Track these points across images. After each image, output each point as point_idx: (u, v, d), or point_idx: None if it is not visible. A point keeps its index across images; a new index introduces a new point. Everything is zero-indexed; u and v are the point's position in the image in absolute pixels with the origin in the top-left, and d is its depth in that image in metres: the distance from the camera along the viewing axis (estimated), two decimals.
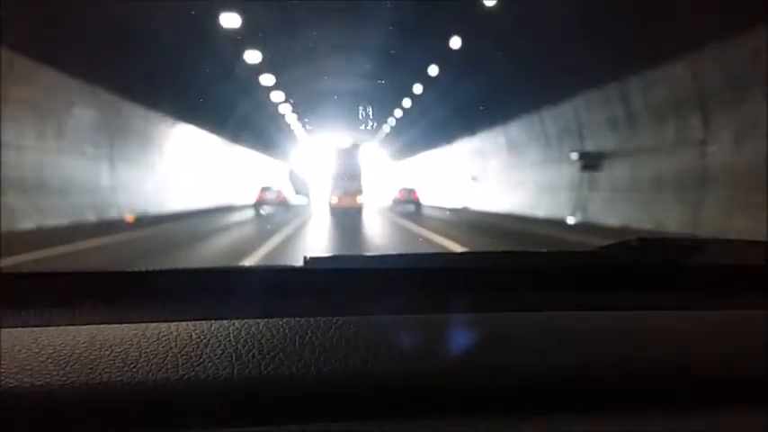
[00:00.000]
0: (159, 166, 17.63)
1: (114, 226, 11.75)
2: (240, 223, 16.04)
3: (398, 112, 29.23)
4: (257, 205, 19.95)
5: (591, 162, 13.53)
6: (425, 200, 26.42)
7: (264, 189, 20.98)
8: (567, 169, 14.79)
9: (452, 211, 22.55)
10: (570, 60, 12.97)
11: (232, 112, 21.78)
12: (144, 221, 13.26)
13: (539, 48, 13.68)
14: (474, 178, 24.18)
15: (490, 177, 22.11)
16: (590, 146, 13.83)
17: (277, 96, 23.55)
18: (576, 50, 12.35)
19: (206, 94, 17.64)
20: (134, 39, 11.74)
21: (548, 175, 16.41)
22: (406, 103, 26.32)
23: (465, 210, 23.05)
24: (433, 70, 19.98)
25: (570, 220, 13.50)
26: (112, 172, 13.59)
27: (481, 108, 20.47)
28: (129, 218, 13.03)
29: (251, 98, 21.61)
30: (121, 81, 13.29)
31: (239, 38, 14.55)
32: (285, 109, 26.76)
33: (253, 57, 16.62)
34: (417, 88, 23.10)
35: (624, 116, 12.22)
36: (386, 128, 34.16)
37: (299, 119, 31.16)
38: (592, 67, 12.54)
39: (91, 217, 11.91)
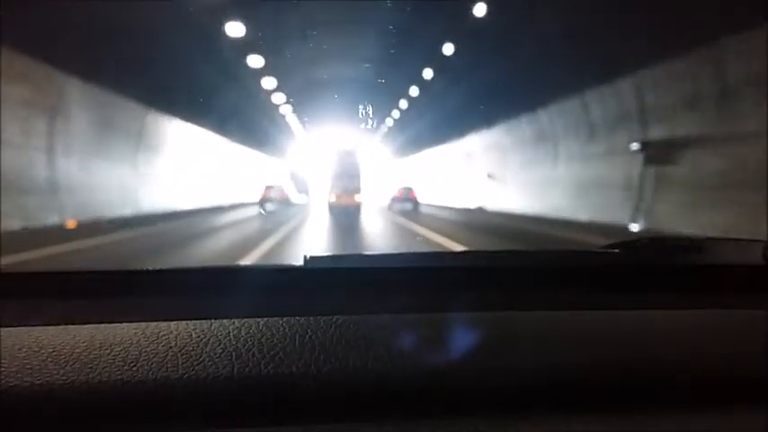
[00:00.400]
0: (130, 162, 15.10)
1: (39, 236, 8.87)
2: (219, 230, 13.24)
3: (404, 103, 26.89)
4: (262, 203, 20.58)
5: (658, 153, 10.72)
6: (434, 200, 25.61)
7: (269, 187, 21.81)
8: (623, 163, 12.00)
9: (461, 211, 20.80)
10: (628, 27, 10.25)
11: (220, 102, 19.37)
12: (93, 228, 10.49)
13: (581, 14, 11.01)
14: (490, 176, 21.94)
15: (511, 174, 19.53)
16: (657, 133, 10.99)
17: (268, 83, 21.47)
18: (639, 14, 9.65)
19: (193, 81, 15.68)
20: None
21: (592, 170, 13.60)
22: (414, 91, 23.87)
23: (480, 210, 21.04)
24: (447, 50, 17.36)
25: (634, 227, 10.66)
26: (51, 167, 10.65)
27: (501, 95, 17.96)
28: (71, 223, 10.21)
29: (240, 87, 19.58)
30: (69, 53, 10.50)
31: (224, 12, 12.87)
32: (278, 99, 24.80)
33: (236, 29, 14.35)
34: (427, 73, 20.54)
35: (715, 92, 9.37)
36: (389, 121, 32.21)
37: (294, 111, 29.23)
38: (665, 33, 9.77)
39: (15, 224, 9.02)
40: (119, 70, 12.41)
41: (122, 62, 11.92)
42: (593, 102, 13.02)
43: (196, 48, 14.03)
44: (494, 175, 21.73)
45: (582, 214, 13.30)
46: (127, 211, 14.07)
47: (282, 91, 23.60)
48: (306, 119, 32.58)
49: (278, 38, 16.80)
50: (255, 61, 17.94)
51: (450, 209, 22.60)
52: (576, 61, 12.68)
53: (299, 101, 26.92)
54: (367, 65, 21.64)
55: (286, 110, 27.97)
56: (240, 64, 17.38)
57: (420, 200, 23.93)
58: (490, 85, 17.23)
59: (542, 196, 16.30)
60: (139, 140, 15.28)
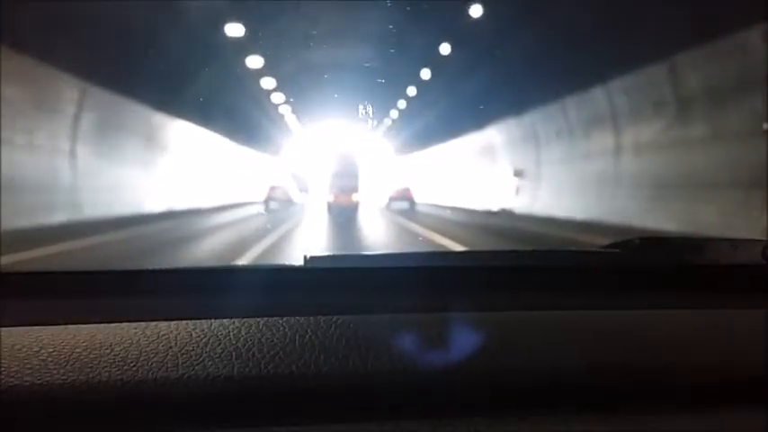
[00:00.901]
0: (62, 152, 12.13)
1: None
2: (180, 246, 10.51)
3: (412, 90, 23.68)
4: (266, 202, 21.56)
5: None
6: (447, 201, 24.25)
7: (272, 188, 22.87)
8: (740, 151, 8.60)
9: (480, 213, 18.86)
10: None
11: (205, 91, 17.48)
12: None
13: None
14: (518, 173, 19.03)
15: (549, 172, 16.39)
16: None
17: (254, 62, 18.51)
18: None
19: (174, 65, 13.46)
20: None
21: (681, 161, 10.25)
22: (425, 74, 20.66)
23: (504, 213, 18.27)
24: (474, 12, 14.03)
25: None
26: None
27: (535, 75, 14.75)
28: None
29: (226, 71, 17.37)
30: None
31: None
32: (267, 84, 21.92)
33: None
34: (444, 48, 17.25)
35: None
36: (393, 113, 29.04)
37: (288, 102, 26.22)
38: None
39: None
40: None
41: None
42: (690, 68, 9.58)
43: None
44: (522, 173, 18.62)
45: (667, 222, 9.88)
46: (56, 218, 11.10)
47: (271, 75, 20.69)
48: (303, 115, 29.93)
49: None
50: (235, 30, 15.08)
51: (466, 211, 20.17)
52: (658, 17, 9.34)
53: (295, 92, 24.22)
54: (367, 63, 19.52)
55: (278, 98, 24.97)
56: (218, 35, 14.58)
57: (425, 200, 23.87)
58: (520, 62, 14.01)
59: (597, 197, 12.94)
60: (76, 124, 12.05)
